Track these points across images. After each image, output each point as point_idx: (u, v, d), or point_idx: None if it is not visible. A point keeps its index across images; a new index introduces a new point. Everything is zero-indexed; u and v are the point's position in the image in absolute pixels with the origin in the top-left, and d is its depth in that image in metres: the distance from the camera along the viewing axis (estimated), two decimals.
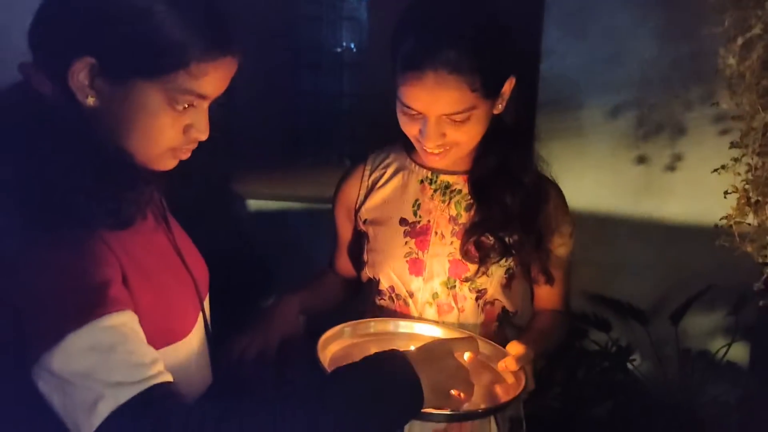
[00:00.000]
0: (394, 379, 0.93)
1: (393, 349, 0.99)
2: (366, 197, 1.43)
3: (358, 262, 1.48)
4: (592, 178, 2.09)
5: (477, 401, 1.10)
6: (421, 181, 1.37)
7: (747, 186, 1.04)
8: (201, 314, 1.08)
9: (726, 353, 1.97)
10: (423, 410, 0.99)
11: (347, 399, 0.90)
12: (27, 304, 0.81)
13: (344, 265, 1.54)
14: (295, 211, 2.38)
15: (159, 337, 0.93)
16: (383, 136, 2.35)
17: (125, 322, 0.84)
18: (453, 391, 1.00)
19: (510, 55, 1.23)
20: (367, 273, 1.43)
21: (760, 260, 1.03)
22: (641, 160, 2.08)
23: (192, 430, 0.81)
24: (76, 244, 0.84)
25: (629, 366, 1.99)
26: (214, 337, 1.14)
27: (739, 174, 1.08)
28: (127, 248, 0.91)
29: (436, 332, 1.30)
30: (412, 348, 1.04)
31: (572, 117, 2.09)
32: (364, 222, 1.42)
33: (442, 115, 1.20)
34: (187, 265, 1.08)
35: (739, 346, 1.99)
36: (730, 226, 1.06)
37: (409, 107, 1.21)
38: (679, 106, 2.03)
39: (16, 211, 0.82)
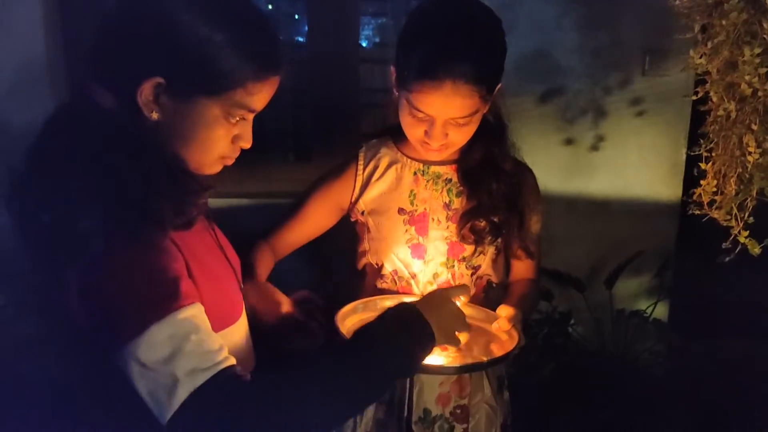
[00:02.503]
0: (411, 326, 1.09)
1: (402, 302, 1.15)
2: (362, 191, 1.51)
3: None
4: (526, 160, 2.26)
5: (479, 357, 1.25)
6: (414, 173, 1.48)
7: (713, 165, 1.23)
8: (244, 301, 1.19)
9: (653, 311, 2.20)
10: (436, 365, 1.18)
11: (377, 349, 1.04)
12: (111, 298, 0.89)
13: (289, 244, 1.56)
14: (242, 207, 2.41)
15: (218, 322, 1.02)
16: (327, 131, 2.44)
17: (196, 313, 0.93)
18: (457, 333, 1.18)
19: (503, 58, 1.36)
20: (369, 260, 1.53)
21: (724, 224, 1.22)
22: (569, 141, 2.27)
23: (259, 403, 0.91)
24: (152, 243, 0.92)
25: (569, 330, 2.18)
26: None
27: (707, 154, 1.26)
28: (189, 245, 1.00)
29: None
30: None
31: (507, 105, 2.24)
32: (362, 213, 1.51)
33: (449, 119, 1.31)
34: (228, 258, 1.18)
35: (664, 305, 2.23)
36: (700, 195, 1.24)
37: (420, 111, 1.32)
38: (599, 91, 2.24)
39: (98, 213, 0.89)
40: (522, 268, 1.57)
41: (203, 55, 0.95)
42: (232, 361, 0.94)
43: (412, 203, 1.48)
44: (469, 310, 1.43)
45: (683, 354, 2.15)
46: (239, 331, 1.15)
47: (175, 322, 0.90)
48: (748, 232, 1.21)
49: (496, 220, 1.45)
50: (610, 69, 2.22)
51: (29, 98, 2.04)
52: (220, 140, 1.02)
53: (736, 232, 1.21)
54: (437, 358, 1.25)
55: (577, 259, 2.28)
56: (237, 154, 1.08)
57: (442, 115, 1.32)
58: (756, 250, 1.20)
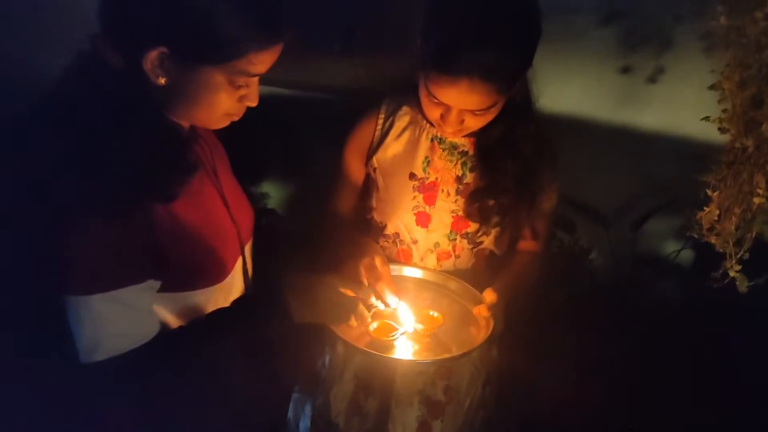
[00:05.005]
0: (268, 310, 1.17)
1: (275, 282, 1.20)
2: (378, 145, 1.51)
3: (360, 203, 1.61)
4: (576, 83, 2.14)
5: (450, 345, 1.32)
6: (432, 140, 1.46)
7: (719, 194, 1.18)
8: (241, 259, 1.29)
9: (676, 257, 2.17)
10: (399, 358, 1.26)
11: (238, 324, 1.16)
12: (69, 251, 0.98)
13: (349, 207, 1.62)
14: (281, 97, 2.41)
15: (197, 282, 1.15)
16: (377, 25, 2.35)
17: (135, 293, 1.04)
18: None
19: (534, 47, 1.25)
20: (374, 217, 1.56)
21: (720, 250, 1.19)
22: (625, 69, 2.12)
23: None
24: (122, 214, 1.00)
25: (586, 265, 2.19)
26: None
27: (715, 182, 1.20)
28: (170, 214, 1.08)
29: (419, 274, 1.48)
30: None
31: (563, 22, 2.09)
32: (374, 170, 1.52)
33: (465, 109, 1.27)
34: (231, 214, 1.25)
35: (689, 252, 2.19)
36: (701, 218, 1.21)
37: (435, 98, 1.27)
38: (670, 19, 2.04)
39: (80, 173, 0.97)
40: (526, 240, 1.57)
41: (205, 26, 0.97)
42: (143, 340, 1.08)
43: (424, 170, 1.47)
44: (455, 285, 1.47)
45: (698, 301, 2.13)
46: (226, 289, 1.24)
47: (113, 298, 1.01)
48: (740, 267, 1.17)
49: (505, 201, 1.44)
50: None
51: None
52: (224, 102, 1.08)
53: (728, 265, 1.18)
54: (408, 343, 1.33)
55: (610, 193, 2.22)
56: (244, 110, 1.13)
57: (458, 107, 1.28)
58: (743, 288, 1.17)
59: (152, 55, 0.97)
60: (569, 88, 2.14)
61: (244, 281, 1.33)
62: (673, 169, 2.17)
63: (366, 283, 1.34)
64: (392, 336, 1.33)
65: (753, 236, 1.15)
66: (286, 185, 2.44)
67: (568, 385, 1.91)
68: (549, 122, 1.41)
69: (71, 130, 0.99)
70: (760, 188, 1.09)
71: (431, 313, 1.40)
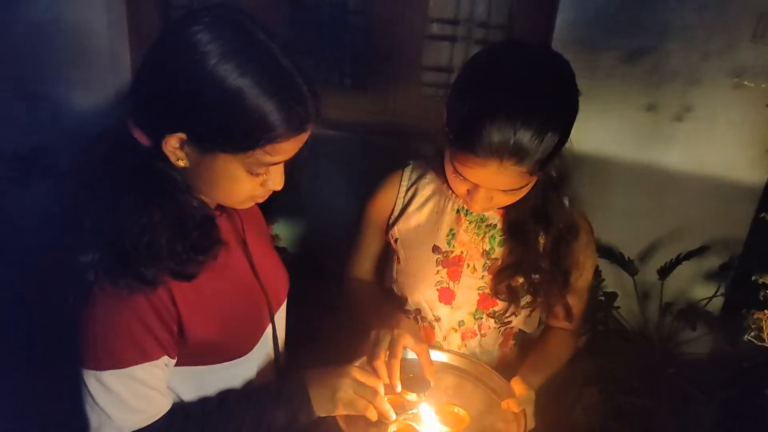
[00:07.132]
0: (290, 400, 1.12)
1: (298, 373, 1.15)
2: (400, 214, 1.40)
3: (381, 271, 1.49)
4: (599, 122, 2.05)
5: None
6: (457, 211, 1.35)
7: None
8: (270, 326, 1.23)
9: (706, 305, 2.07)
10: None
11: (257, 413, 1.10)
12: (86, 327, 0.99)
13: (371, 272, 1.51)
14: None
15: (218, 357, 1.11)
16: (388, 60, 2.25)
17: (149, 371, 1.02)
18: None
19: (571, 126, 1.14)
20: (395, 289, 1.44)
21: None
22: (650, 107, 2.03)
23: None
24: (140, 292, 0.98)
25: (612, 312, 2.09)
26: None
27: None
28: (193, 290, 1.04)
29: (442, 357, 1.35)
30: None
31: (587, 59, 2.00)
32: (395, 241, 1.40)
33: (495, 188, 1.16)
34: (261, 282, 1.20)
35: (718, 300, 2.09)
36: (761, 320, 1.10)
37: (462, 176, 1.16)
38: (696, 55, 1.96)
39: (101, 249, 0.96)
40: (559, 317, 1.43)
41: (224, 116, 0.92)
42: (153, 418, 1.06)
43: (449, 243, 1.35)
44: (480, 372, 1.33)
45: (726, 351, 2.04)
46: (250, 361, 1.18)
47: (125, 375, 1.00)
48: None
49: (536, 278, 1.32)
50: (714, 30, 1.92)
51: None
52: (245, 188, 1.02)
53: None
54: None
55: (635, 235, 2.13)
56: (268, 194, 1.07)
57: (486, 186, 1.16)
58: None
59: (171, 140, 0.95)
60: (591, 126, 2.05)
61: (274, 350, 1.26)
62: (699, 210, 2.08)
63: (382, 359, 1.22)
64: None
65: None
66: (295, 223, 2.35)
67: None
68: (571, 162, 1.30)
69: (95, 202, 0.97)
70: None
71: (456, 410, 1.26)
